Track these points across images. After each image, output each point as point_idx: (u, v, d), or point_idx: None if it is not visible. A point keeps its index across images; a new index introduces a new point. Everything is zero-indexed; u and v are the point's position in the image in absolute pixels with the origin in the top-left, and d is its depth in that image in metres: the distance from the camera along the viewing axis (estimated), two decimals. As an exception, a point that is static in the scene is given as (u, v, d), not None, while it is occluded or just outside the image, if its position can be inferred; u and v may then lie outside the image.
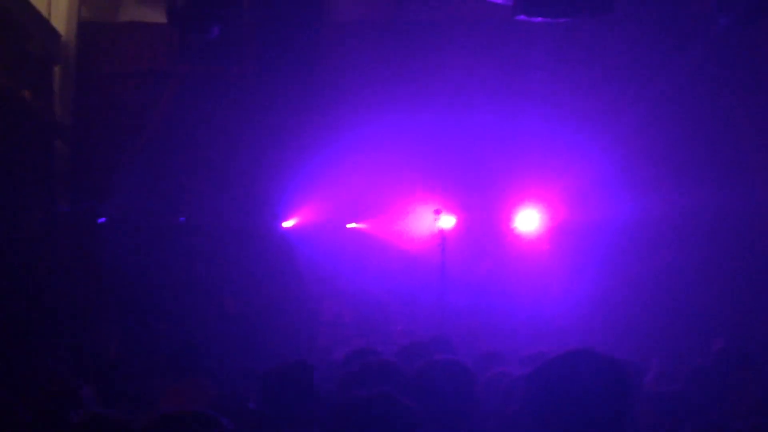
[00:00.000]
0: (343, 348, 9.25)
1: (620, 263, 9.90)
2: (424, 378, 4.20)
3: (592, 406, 2.95)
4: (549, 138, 10.58)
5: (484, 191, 11.03)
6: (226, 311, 9.17)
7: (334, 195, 11.03)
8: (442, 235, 9.59)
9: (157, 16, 9.82)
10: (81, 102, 10.10)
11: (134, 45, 10.27)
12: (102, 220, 9.60)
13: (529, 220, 10.84)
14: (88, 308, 9.42)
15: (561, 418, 2.95)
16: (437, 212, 9.64)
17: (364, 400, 3.55)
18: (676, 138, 10.38)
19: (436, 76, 10.89)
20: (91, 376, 5.90)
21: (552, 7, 8.25)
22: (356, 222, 11.41)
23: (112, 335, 9.52)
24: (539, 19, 8.48)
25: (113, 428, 4.09)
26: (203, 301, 9.78)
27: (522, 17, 8.58)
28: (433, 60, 10.88)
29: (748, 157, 10.44)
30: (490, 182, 10.98)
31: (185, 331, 9.66)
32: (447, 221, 10.34)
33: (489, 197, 11.03)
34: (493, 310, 10.50)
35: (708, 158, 10.47)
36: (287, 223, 11.11)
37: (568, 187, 10.39)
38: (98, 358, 8.41)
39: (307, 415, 4.68)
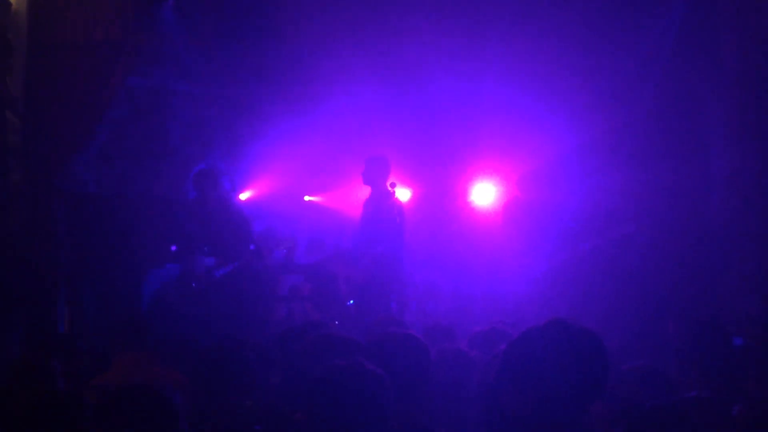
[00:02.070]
0: (299, 322, 9.38)
1: (577, 238, 10.03)
2: (379, 350, 4.38)
3: (570, 377, 3.06)
4: (507, 111, 10.67)
5: (440, 164, 11.12)
6: (181, 284, 9.20)
7: (290, 167, 11.09)
8: (397, 207, 9.60)
9: (110, -17, 9.75)
10: (32, 72, 10.00)
11: (88, 14, 10.16)
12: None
13: (485, 194, 10.94)
14: (41, 282, 9.41)
15: (538, 389, 3.05)
16: (393, 185, 9.65)
17: (336, 369, 3.68)
18: (635, 113, 10.51)
19: (393, 47, 10.91)
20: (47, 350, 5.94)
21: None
22: (313, 195, 11.48)
23: (66, 310, 9.53)
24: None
25: (69, 404, 4.20)
26: (158, 273, 9.81)
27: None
28: (390, 30, 10.90)
29: (705, 131, 10.61)
30: (447, 155, 11.06)
31: (138, 304, 9.72)
32: (402, 194, 10.39)
33: (445, 170, 11.12)
34: (449, 285, 10.64)
35: (666, 133, 10.61)
36: (243, 195, 11.16)
37: (525, 162, 10.49)
38: (52, 333, 8.47)
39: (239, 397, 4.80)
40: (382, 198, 9.67)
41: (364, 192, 9.99)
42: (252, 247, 9.40)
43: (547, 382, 3.05)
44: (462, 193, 11.05)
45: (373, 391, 3.64)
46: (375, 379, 3.67)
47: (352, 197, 10.46)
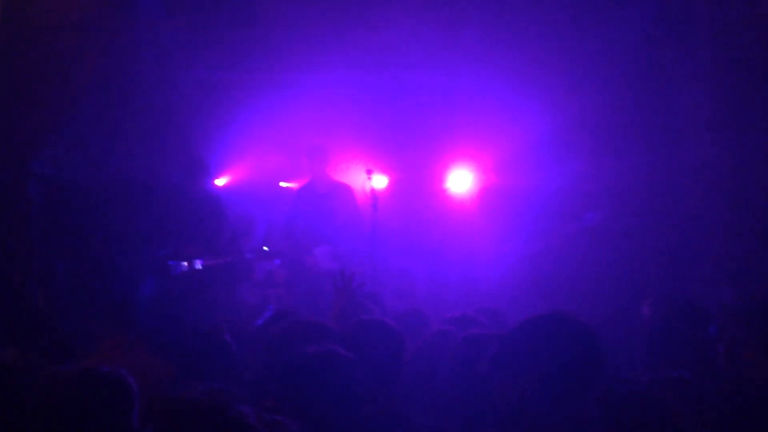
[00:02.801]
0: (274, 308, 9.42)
1: (550, 224, 10.11)
2: (354, 337, 4.45)
3: (566, 371, 3.10)
4: (482, 98, 10.72)
5: (416, 151, 11.15)
6: (157, 270, 9.21)
7: (266, 153, 11.09)
8: (374, 195, 9.67)
9: (87, -34, 9.72)
10: (4, 53, 9.95)
11: (62, -4, 10.13)
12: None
13: (461, 181, 10.99)
14: (16, 264, 9.40)
15: (532, 379, 3.09)
16: (369, 172, 9.69)
17: (310, 356, 3.73)
18: (607, 102, 10.58)
19: (369, 33, 10.93)
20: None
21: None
22: (289, 180, 11.47)
23: (42, 292, 9.51)
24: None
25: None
26: (135, 259, 9.80)
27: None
28: (365, 16, 10.91)
29: (678, 120, 10.70)
30: (423, 142, 11.10)
31: (117, 289, 9.70)
32: (379, 181, 10.43)
33: (421, 157, 11.15)
34: (424, 271, 10.69)
35: (637, 122, 10.69)
36: (219, 181, 11.17)
37: (501, 148, 10.54)
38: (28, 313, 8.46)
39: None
40: (324, 186, 9.81)
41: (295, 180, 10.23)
42: (228, 233, 9.44)
43: (543, 374, 3.09)
44: (438, 179, 11.09)
45: (346, 376, 3.71)
46: (347, 364, 3.73)
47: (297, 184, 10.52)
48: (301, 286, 9.87)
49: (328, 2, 10.88)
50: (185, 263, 9.14)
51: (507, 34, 10.74)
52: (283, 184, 11.44)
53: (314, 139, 10.22)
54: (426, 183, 11.15)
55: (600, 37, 10.53)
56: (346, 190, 10.04)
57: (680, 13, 10.37)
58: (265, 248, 9.81)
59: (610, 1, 10.43)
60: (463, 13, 10.71)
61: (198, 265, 9.17)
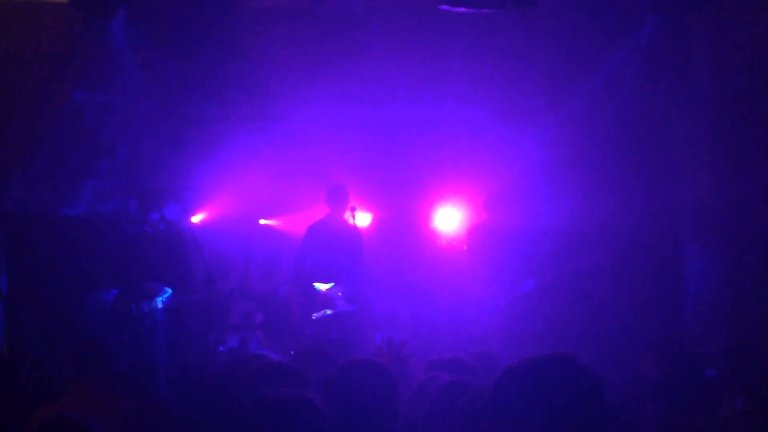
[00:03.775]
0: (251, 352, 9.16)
1: (541, 266, 9.93)
2: (341, 380, 4.14)
3: (566, 419, 2.90)
4: (471, 135, 10.59)
5: (402, 188, 11.01)
6: (130, 310, 8.95)
7: (245, 189, 10.92)
8: (357, 232, 9.51)
9: (57, -5, 9.54)
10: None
11: (33, 26, 9.96)
12: None
13: (448, 219, 10.84)
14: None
15: (527, 424, 2.89)
16: (353, 209, 9.57)
17: (269, 401, 3.50)
18: (600, 138, 10.46)
19: (355, 68, 10.82)
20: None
21: (476, -2, 8.23)
22: (268, 218, 11.31)
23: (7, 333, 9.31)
24: (462, 9, 8.47)
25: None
26: (104, 298, 9.55)
27: (445, 7, 8.57)
28: (351, 51, 10.81)
29: (672, 158, 10.58)
30: (409, 179, 10.96)
31: (86, 329, 9.46)
32: (362, 219, 10.28)
33: (407, 194, 11.01)
34: (410, 312, 10.49)
35: (632, 160, 10.57)
36: (195, 218, 10.95)
37: (489, 186, 10.39)
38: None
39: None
40: (339, 225, 9.63)
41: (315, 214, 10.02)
42: (204, 273, 9.21)
43: (539, 420, 2.88)
44: (425, 217, 10.92)
45: (308, 424, 3.44)
46: (313, 413, 3.48)
47: (310, 221, 10.32)
48: (310, 327, 9.58)
49: (310, 36, 10.76)
50: (157, 303, 8.87)
51: (495, 67, 10.64)
52: (262, 221, 11.25)
53: (335, 179, 9.99)
54: (412, 221, 10.98)
55: (592, 69, 10.41)
56: (358, 233, 9.89)
57: (677, 46, 10.27)
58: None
59: (602, 32, 10.31)
60: (451, 46, 10.59)
61: (171, 305, 8.90)
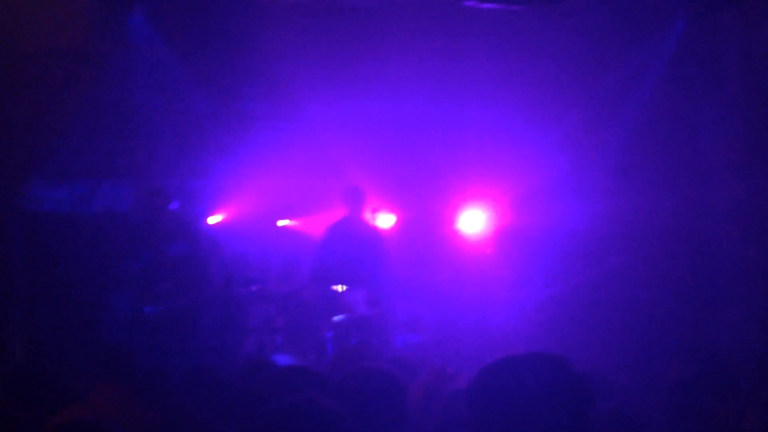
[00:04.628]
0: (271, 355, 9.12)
1: (567, 269, 9.87)
2: (349, 387, 4.17)
3: (544, 415, 2.88)
4: (496, 134, 10.54)
5: (425, 189, 10.97)
6: (146, 312, 8.93)
7: (264, 189, 10.90)
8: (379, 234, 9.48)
9: (75, -10, 9.54)
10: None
11: (52, 21, 9.94)
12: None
13: (473, 222, 10.79)
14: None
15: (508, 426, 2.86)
16: (375, 211, 9.54)
17: (287, 406, 3.52)
18: (628, 138, 10.39)
19: (377, 66, 10.77)
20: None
21: (504, -6, 8.17)
22: (288, 219, 11.29)
23: (24, 335, 9.30)
24: (489, 5, 8.40)
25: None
26: (121, 300, 9.54)
27: (471, 3, 8.50)
28: (372, 48, 10.76)
29: (702, 159, 10.49)
30: (433, 180, 10.92)
31: (103, 332, 9.45)
32: (385, 221, 10.25)
33: (431, 196, 10.97)
34: (434, 316, 10.44)
35: (661, 160, 10.49)
36: (213, 219, 10.94)
37: (515, 187, 10.35)
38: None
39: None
40: (358, 226, 9.59)
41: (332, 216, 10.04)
42: (222, 274, 9.20)
43: (516, 420, 2.88)
44: (449, 219, 10.87)
45: (329, 428, 3.50)
46: (331, 417, 3.52)
47: (329, 222, 10.29)
48: (330, 330, 9.56)
49: (333, 34, 10.71)
50: (174, 305, 8.84)
51: (520, 67, 10.56)
52: (281, 222, 11.22)
53: (351, 180, 10.04)
54: (436, 222, 10.93)
55: (622, 69, 10.33)
56: (378, 234, 9.86)
57: (707, 46, 10.17)
58: None
59: (632, 32, 10.23)
60: (475, 43, 10.52)
61: (181, 306, 8.87)
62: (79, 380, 6.03)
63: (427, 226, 10.94)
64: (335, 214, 10.25)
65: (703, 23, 9.76)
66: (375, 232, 9.91)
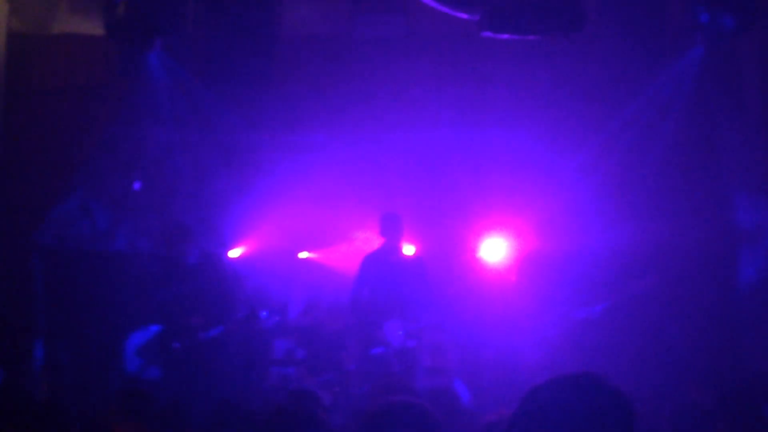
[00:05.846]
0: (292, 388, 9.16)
1: (592, 296, 9.89)
2: (383, 421, 4.05)
3: None
4: (515, 162, 10.55)
5: (446, 217, 10.96)
6: (168, 347, 9.02)
7: (285, 222, 10.93)
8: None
9: (94, 27, 9.69)
10: (10, 120, 9.95)
11: (69, 58, 10.15)
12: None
13: (495, 250, 10.75)
14: (15, 342, 9.29)
15: None
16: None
17: None
18: (650, 162, 10.42)
19: (396, 95, 10.86)
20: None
21: (520, 24, 8.28)
22: (309, 251, 11.32)
23: (44, 373, 9.40)
24: (506, 36, 8.49)
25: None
26: (143, 334, 9.65)
27: (488, 34, 8.60)
28: (392, 78, 10.85)
29: (728, 181, 10.51)
30: (453, 207, 10.92)
31: (125, 367, 9.54)
32: (408, 249, 10.25)
33: (452, 223, 10.96)
34: (457, 347, 10.42)
35: (684, 183, 10.51)
36: (234, 252, 11.00)
37: (537, 214, 10.36)
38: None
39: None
40: (396, 255, 9.60)
41: (368, 245, 9.94)
42: (245, 308, 9.26)
43: None
44: (470, 247, 10.85)
45: None
46: None
47: (350, 254, 10.30)
48: (369, 364, 9.47)
49: (352, 63, 10.83)
50: (191, 338, 8.90)
51: (542, 93, 10.63)
52: (302, 255, 11.27)
53: (388, 208, 9.93)
54: (457, 250, 10.91)
55: (642, 93, 10.39)
56: (419, 262, 9.80)
57: (727, 69, 10.23)
58: None
59: (652, 56, 10.29)
60: (494, 70, 10.61)
61: (207, 341, 8.92)
62: (100, 416, 6.13)
63: (447, 255, 10.90)
64: (357, 244, 10.21)
65: (722, 47, 9.81)
66: (414, 260, 9.84)
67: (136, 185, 9.76)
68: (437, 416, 4.21)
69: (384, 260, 9.65)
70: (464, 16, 8.65)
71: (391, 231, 9.62)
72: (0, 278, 9.39)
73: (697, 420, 5.89)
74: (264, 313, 9.42)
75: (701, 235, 10.28)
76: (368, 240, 10.15)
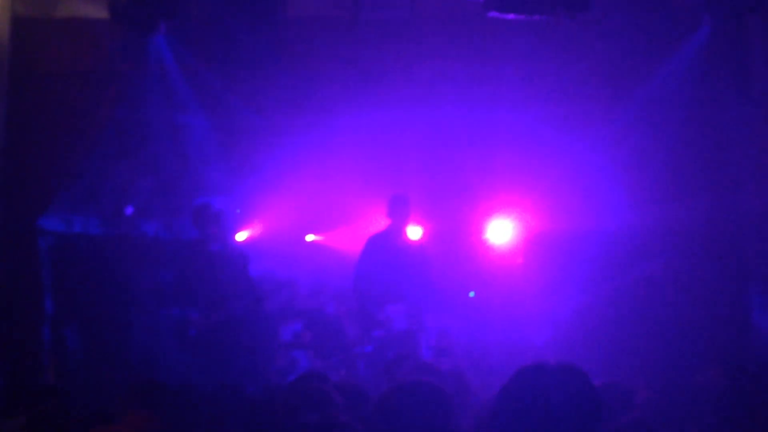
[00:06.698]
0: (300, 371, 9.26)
1: (601, 278, 9.93)
2: (395, 401, 4.10)
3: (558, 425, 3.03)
4: (523, 143, 10.58)
5: (453, 198, 10.99)
6: (176, 329, 9.11)
7: (291, 205, 10.98)
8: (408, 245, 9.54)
9: (98, 11, 9.75)
10: (15, 104, 10.01)
11: (73, 43, 10.18)
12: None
13: (502, 231, 10.80)
14: (23, 328, 9.38)
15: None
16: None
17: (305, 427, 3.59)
18: (659, 143, 10.44)
19: (402, 77, 10.87)
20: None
21: (526, 4, 8.32)
22: (316, 234, 11.36)
23: (54, 356, 9.49)
24: (512, 16, 8.54)
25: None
26: (152, 319, 9.74)
27: (494, 14, 8.64)
28: (398, 59, 10.87)
29: (737, 164, 10.52)
30: (461, 188, 10.94)
31: (135, 352, 9.63)
32: (413, 232, 10.29)
33: (459, 205, 10.99)
34: (463, 330, 10.49)
35: (693, 164, 10.54)
36: (241, 236, 11.06)
37: (545, 195, 10.40)
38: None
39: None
40: (401, 238, 9.62)
41: (373, 227, 9.99)
42: (252, 291, 9.33)
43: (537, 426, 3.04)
44: (477, 229, 10.90)
45: None
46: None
47: (357, 237, 10.34)
48: (371, 345, 9.56)
49: (358, 46, 10.85)
50: (206, 324, 8.98)
51: (551, 73, 10.64)
52: (309, 237, 11.33)
53: (396, 190, 9.97)
54: (464, 232, 10.95)
55: (650, 73, 10.40)
56: (422, 250, 9.85)
57: (735, 47, 10.24)
58: None
59: (659, 36, 10.30)
60: (502, 51, 10.62)
61: (219, 325, 9.00)
62: (108, 403, 6.19)
63: (454, 236, 10.94)
64: (363, 225, 10.23)
65: (729, 26, 9.82)
66: (418, 244, 9.89)
67: (128, 210, 9.83)
68: (448, 395, 4.28)
69: (388, 242, 9.69)
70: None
71: (399, 213, 9.65)
72: (7, 263, 9.46)
73: (707, 402, 5.90)
74: None
75: (710, 217, 10.32)
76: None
